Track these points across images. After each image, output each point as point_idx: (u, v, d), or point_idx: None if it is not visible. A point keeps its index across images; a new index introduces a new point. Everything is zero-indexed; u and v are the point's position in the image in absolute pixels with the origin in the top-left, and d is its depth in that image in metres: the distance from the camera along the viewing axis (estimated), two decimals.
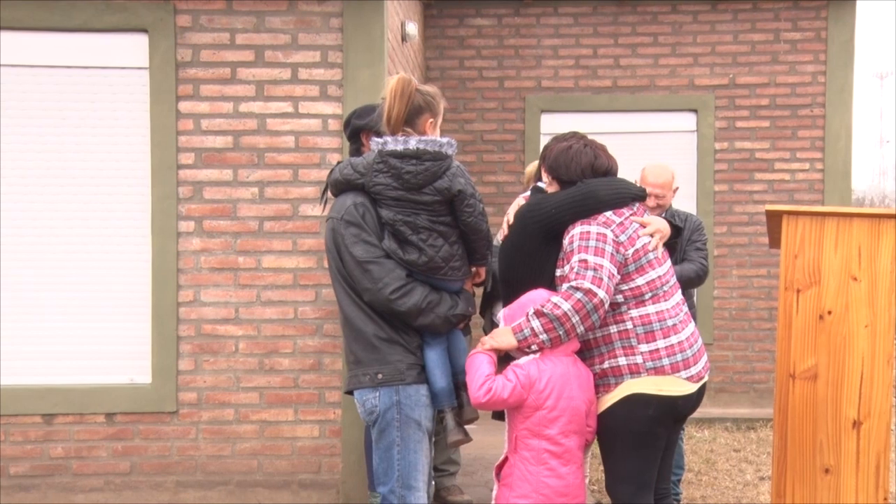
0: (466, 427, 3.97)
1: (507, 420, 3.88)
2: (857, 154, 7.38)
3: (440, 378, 3.80)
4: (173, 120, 5.48)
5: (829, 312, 4.07)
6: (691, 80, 8.69)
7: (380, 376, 3.75)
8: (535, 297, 3.81)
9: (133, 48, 5.51)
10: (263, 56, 5.49)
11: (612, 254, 3.74)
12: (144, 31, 5.48)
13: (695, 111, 8.73)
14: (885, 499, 4.04)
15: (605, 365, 3.84)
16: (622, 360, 3.81)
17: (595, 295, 3.64)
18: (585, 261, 3.70)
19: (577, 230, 3.80)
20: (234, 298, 5.52)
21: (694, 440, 7.70)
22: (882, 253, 4.04)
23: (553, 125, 8.59)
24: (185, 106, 5.49)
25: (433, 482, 4.62)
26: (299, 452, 5.53)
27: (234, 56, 5.49)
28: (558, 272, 3.93)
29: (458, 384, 3.90)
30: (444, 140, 3.75)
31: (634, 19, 8.68)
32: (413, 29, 6.76)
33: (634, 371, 3.79)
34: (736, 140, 8.71)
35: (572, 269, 3.72)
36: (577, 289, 3.65)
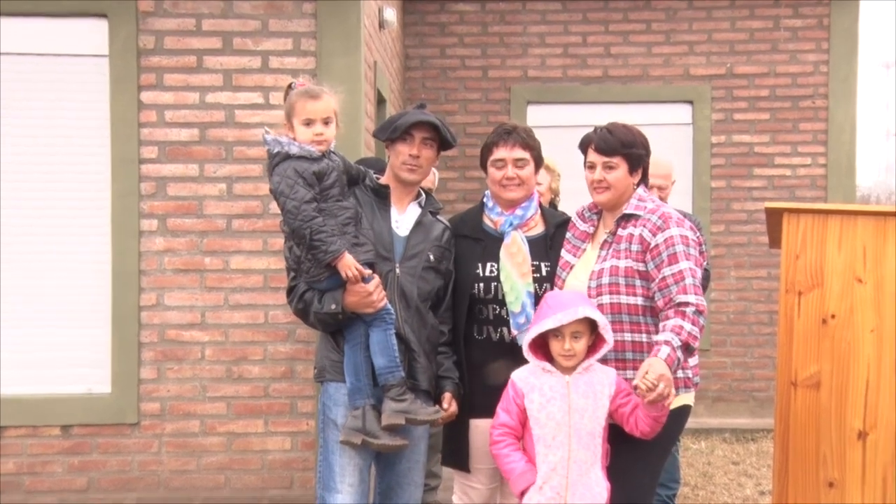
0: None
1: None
2: (861, 148, 7.68)
3: (346, 376, 3.91)
4: (135, 111, 5.43)
5: (833, 316, 3.96)
6: (686, 70, 8.65)
7: (315, 371, 4.06)
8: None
9: (92, 34, 5.45)
10: (231, 43, 5.44)
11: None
12: (104, 16, 5.43)
13: (690, 102, 8.69)
14: None
15: None
16: (679, 374, 3.84)
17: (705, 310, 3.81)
18: (694, 271, 3.76)
19: (675, 231, 3.80)
20: (199, 302, 5.47)
21: (690, 452, 7.62)
22: (888, 253, 3.94)
23: (540, 117, 8.55)
24: (147, 96, 5.44)
25: None
26: (270, 466, 5.49)
27: (200, 43, 5.45)
28: (633, 264, 3.84)
29: (388, 386, 3.84)
30: (271, 138, 3.84)
31: (626, 5, 8.64)
32: (391, 15, 6.79)
33: (687, 385, 3.94)
34: (734, 133, 8.67)
35: (682, 276, 3.72)
36: (700, 313, 3.71)
